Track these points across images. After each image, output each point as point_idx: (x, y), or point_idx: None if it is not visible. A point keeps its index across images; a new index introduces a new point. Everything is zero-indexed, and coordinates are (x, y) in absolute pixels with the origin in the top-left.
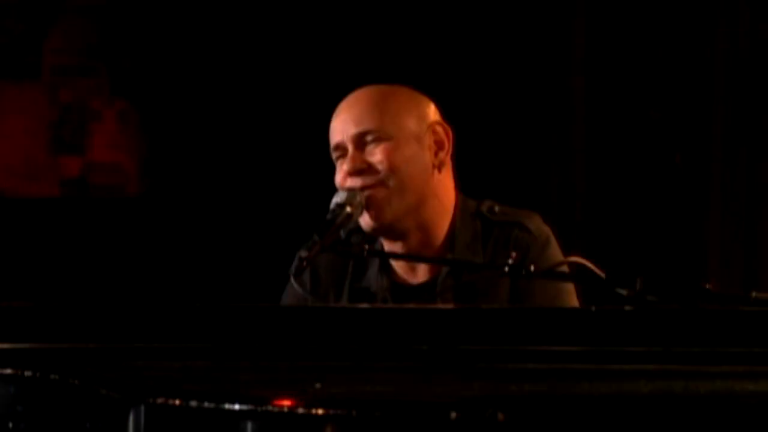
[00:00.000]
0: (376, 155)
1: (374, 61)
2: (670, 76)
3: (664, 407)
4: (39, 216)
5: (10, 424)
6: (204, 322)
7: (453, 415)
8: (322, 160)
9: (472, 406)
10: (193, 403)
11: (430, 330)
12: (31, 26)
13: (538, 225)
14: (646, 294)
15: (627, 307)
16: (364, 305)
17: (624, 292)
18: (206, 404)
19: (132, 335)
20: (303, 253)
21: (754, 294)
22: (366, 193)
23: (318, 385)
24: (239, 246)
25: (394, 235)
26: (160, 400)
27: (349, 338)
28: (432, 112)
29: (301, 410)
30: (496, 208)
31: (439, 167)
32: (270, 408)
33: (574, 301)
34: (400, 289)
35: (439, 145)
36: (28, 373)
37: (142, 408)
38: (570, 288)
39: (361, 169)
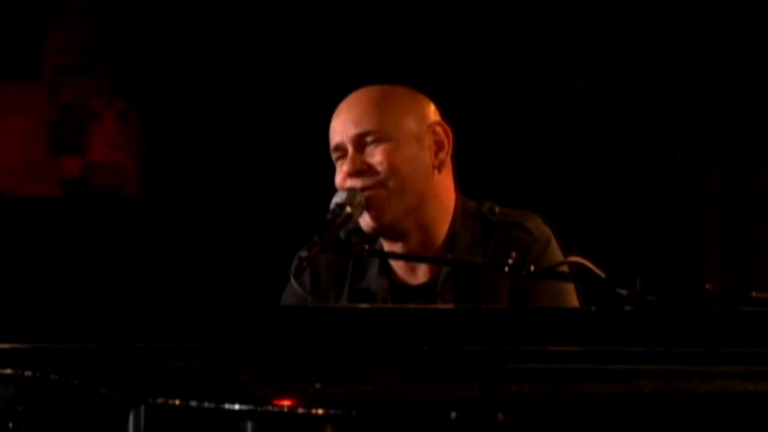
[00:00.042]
0: (376, 156)
1: (374, 61)
2: (670, 76)
3: (664, 407)
4: (39, 216)
5: (10, 424)
6: (204, 322)
7: (453, 415)
8: (322, 160)
9: (472, 406)
10: (193, 403)
11: (430, 330)
12: (31, 26)
13: (538, 226)
14: (646, 294)
15: (627, 307)
16: (364, 305)
17: (624, 292)
18: (206, 404)
19: (132, 335)
20: (303, 253)
21: (754, 294)
22: (366, 194)
23: (318, 385)
24: (239, 246)
25: (394, 235)
26: (160, 400)
27: (349, 338)
28: (432, 112)
29: (301, 410)
30: (497, 209)
31: (439, 167)
32: (270, 408)
33: (574, 302)
34: (400, 289)
35: (438, 146)
36: (28, 373)
37: (142, 408)
38: (570, 288)
39: (361, 170)
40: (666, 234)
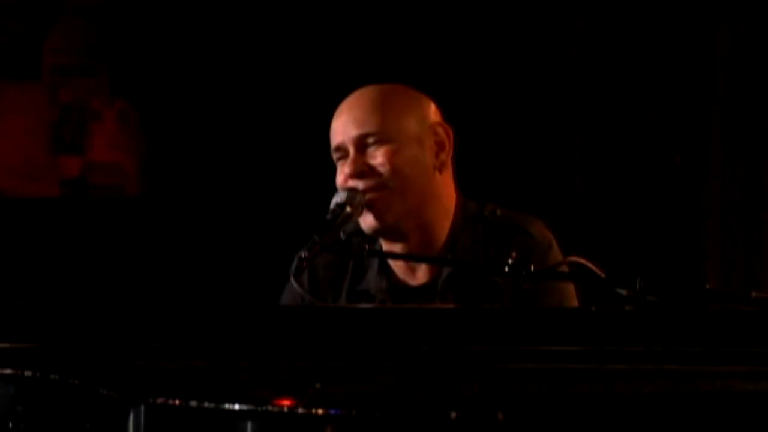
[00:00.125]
0: (378, 158)
1: (374, 62)
2: (670, 76)
3: (664, 407)
4: (39, 216)
5: (10, 424)
6: (204, 322)
7: (453, 415)
8: (322, 160)
9: (472, 406)
10: (193, 403)
11: (430, 330)
12: (31, 26)
13: (540, 230)
14: (646, 294)
15: (627, 307)
16: (365, 305)
17: (624, 292)
18: (206, 404)
19: (132, 335)
20: (303, 253)
21: (754, 294)
22: (368, 195)
23: (318, 385)
24: (239, 246)
25: (395, 236)
26: (160, 400)
27: (349, 338)
28: (432, 112)
29: (301, 410)
30: (499, 212)
31: (440, 168)
32: (270, 408)
33: (574, 304)
34: (399, 290)
35: (439, 146)
36: (28, 373)
37: (142, 408)
38: (571, 293)
39: (363, 171)
40: (666, 234)
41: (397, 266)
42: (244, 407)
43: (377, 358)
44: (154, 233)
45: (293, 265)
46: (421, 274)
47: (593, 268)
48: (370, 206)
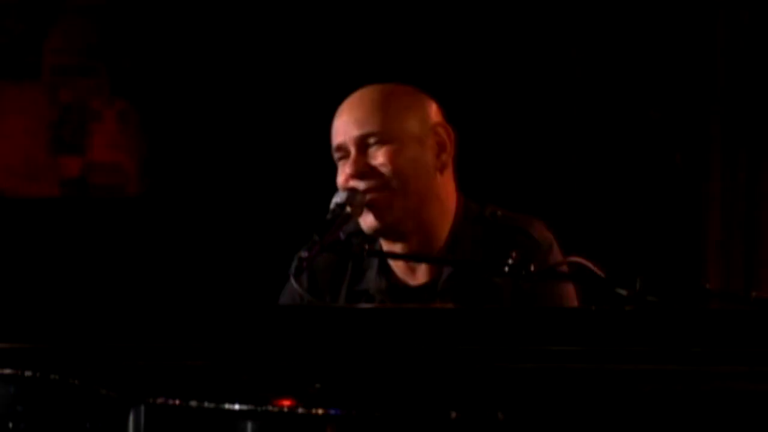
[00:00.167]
0: (379, 158)
1: (375, 63)
2: (670, 76)
3: (664, 407)
4: (39, 216)
5: (10, 424)
6: (204, 322)
7: (453, 415)
8: (322, 160)
9: (472, 406)
10: (193, 403)
11: (430, 330)
12: (31, 26)
13: (541, 231)
14: (646, 294)
15: (627, 307)
16: (365, 305)
17: (624, 292)
18: (206, 404)
19: (132, 335)
20: (303, 254)
21: (754, 294)
22: (368, 196)
23: (318, 385)
24: (239, 246)
25: (395, 236)
26: (160, 400)
27: (349, 338)
28: (434, 112)
29: (301, 410)
30: (500, 213)
31: (441, 169)
32: (270, 408)
33: (574, 305)
34: (398, 290)
35: (441, 147)
36: (28, 373)
37: (142, 408)
38: (571, 294)
39: (364, 172)
40: (666, 234)
41: (396, 266)
42: (244, 407)
43: (377, 358)
44: (154, 233)
45: (293, 265)
46: (420, 274)
47: (593, 268)
48: (371, 206)
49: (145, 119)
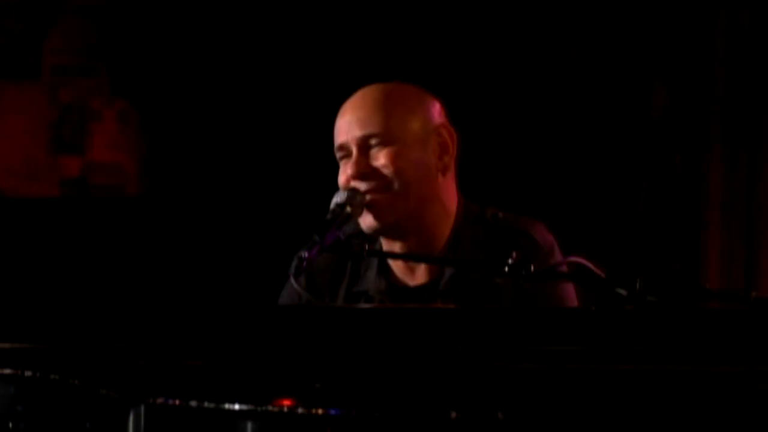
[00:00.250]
0: (381, 159)
1: (376, 63)
2: (670, 76)
3: (663, 407)
4: (39, 216)
5: (10, 424)
6: (204, 322)
7: (453, 415)
8: (323, 160)
9: (472, 406)
10: (193, 403)
11: (430, 330)
12: (31, 26)
13: (542, 233)
14: (646, 294)
15: (627, 307)
16: (365, 305)
17: (624, 292)
18: (206, 404)
19: (132, 335)
20: (303, 254)
21: (754, 294)
22: (369, 197)
23: (318, 385)
24: (239, 246)
25: (394, 234)
26: (160, 400)
27: (349, 338)
28: (437, 113)
29: (301, 410)
30: (501, 215)
31: (443, 171)
32: (270, 408)
33: (574, 305)
34: (397, 290)
35: (443, 149)
36: (28, 373)
37: (142, 408)
38: (572, 295)
39: (365, 173)
40: (666, 234)
41: (396, 266)
42: (244, 407)
43: (377, 358)
44: (154, 233)
45: (293, 265)
46: (420, 275)
47: (593, 268)
48: (371, 207)
49: (145, 119)
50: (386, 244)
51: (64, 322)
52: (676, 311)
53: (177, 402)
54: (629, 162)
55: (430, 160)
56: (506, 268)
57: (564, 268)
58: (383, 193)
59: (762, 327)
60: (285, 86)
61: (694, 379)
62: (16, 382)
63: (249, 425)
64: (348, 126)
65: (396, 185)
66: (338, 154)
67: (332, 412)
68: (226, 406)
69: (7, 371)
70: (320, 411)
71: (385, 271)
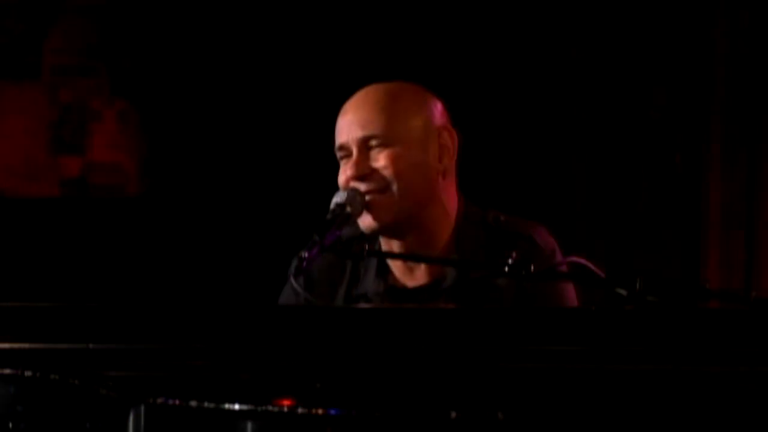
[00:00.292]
0: (381, 161)
1: (376, 64)
2: (670, 76)
3: (663, 407)
4: (39, 216)
5: (10, 424)
6: (204, 322)
7: (453, 415)
8: (322, 160)
9: (472, 406)
10: (193, 403)
11: (430, 330)
12: (31, 26)
13: (543, 236)
14: (646, 294)
15: (627, 307)
16: (365, 305)
17: (624, 292)
18: (206, 404)
19: (132, 335)
20: (304, 254)
21: (754, 294)
22: (368, 197)
23: (318, 385)
24: (239, 246)
25: (393, 234)
26: (160, 400)
27: (349, 338)
28: (439, 114)
29: (301, 410)
30: (502, 218)
31: (443, 173)
32: (270, 408)
33: (574, 305)
34: (396, 292)
35: (444, 151)
36: (28, 373)
37: (142, 408)
38: (572, 295)
39: (365, 174)
40: (666, 234)
41: (395, 267)
42: (244, 407)
43: (377, 358)
44: (154, 233)
45: (293, 265)
46: (419, 276)
47: (593, 268)
48: (370, 207)
49: (145, 119)
50: (385, 245)
51: (64, 322)
52: (676, 311)
53: (177, 402)
54: (629, 162)
55: (431, 161)
56: (506, 269)
57: (564, 268)
58: (383, 194)
59: (762, 327)
60: (285, 86)
61: (694, 379)
62: (16, 382)
63: (249, 425)
64: (349, 126)
65: (395, 187)
66: (339, 154)
67: (332, 412)
68: (226, 406)
69: (7, 371)
70: (320, 411)
71: (384, 273)
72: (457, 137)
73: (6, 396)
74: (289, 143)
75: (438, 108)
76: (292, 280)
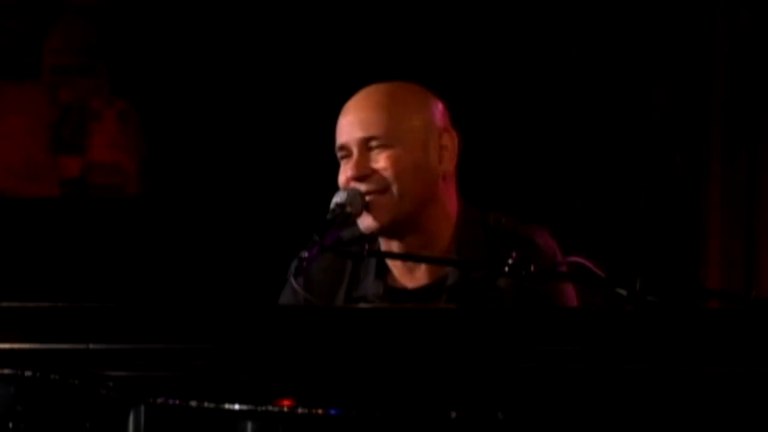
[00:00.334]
0: (381, 162)
1: (377, 64)
2: (670, 76)
3: (663, 407)
4: (39, 216)
5: (10, 424)
6: (204, 322)
7: (453, 415)
8: (322, 160)
9: (472, 406)
10: (193, 403)
11: (430, 330)
12: (31, 26)
13: (544, 239)
14: (646, 294)
15: (627, 307)
16: (365, 305)
17: (624, 292)
18: (206, 404)
19: (132, 335)
20: (304, 254)
21: (754, 294)
22: (368, 198)
23: (318, 385)
24: (239, 246)
25: (393, 234)
26: (160, 400)
27: (349, 338)
28: (440, 115)
29: (301, 410)
30: (503, 220)
31: (444, 174)
32: (270, 408)
33: (574, 305)
34: (395, 293)
35: (444, 152)
36: (28, 373)
37: (142, 408)
38: (572, 295)
39: (365, 174)
40: (666, 234)
41: (395, 268)
42: (244, 407)
43: (377, 358)
44: (154, 233)
45: (293, 266)
46: (419, 277)
47: (593, 268)
48: (370, 208)
49: (145, 119)
50: (385, 246)
51: (64, 322)
52: (676, 311)
53: (177, 402)
54: (629, 162)
55: (431, 162)
56: (506, 269)
57: (564, 268)
58: (383, 194)
59: (762, 327)
60: (285, 86)
61: (694, 379)
62: (16, 382)
63: (249, 425)
64: (349, 127)
65: (395, 188)
66: (339, 154)
67: (332, 412)
68: (226, 406)
69: (7, 371)
70: (320, 411)
71: (383, 275)
72: (457, 138)
73: (6, 396)
74: (289, 143)
75: (439, 109)
76: (292, 280)
